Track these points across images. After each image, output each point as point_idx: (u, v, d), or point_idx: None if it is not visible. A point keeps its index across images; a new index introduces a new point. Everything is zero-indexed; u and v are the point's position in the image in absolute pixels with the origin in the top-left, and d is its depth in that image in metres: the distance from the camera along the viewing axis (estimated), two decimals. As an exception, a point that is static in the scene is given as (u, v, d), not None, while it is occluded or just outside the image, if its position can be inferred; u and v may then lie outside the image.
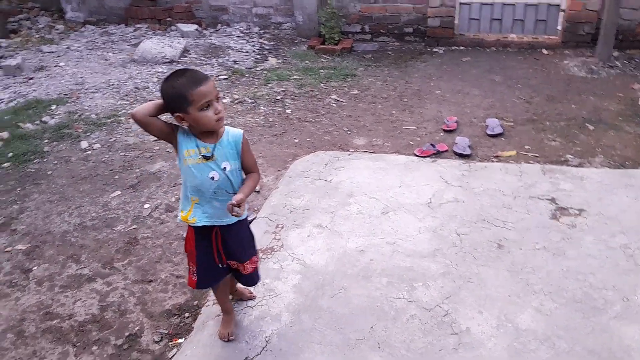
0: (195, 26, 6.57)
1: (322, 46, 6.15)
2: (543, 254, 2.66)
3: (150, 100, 4.77)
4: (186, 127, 1.84)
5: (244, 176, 1.97)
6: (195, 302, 2.43)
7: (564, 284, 2.44)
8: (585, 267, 2.54)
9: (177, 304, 2.43)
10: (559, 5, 5.99)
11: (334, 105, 4.73)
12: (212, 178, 1.85)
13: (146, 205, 3.21)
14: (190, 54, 5.87)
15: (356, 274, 2.54)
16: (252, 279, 2.17)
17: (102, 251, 2.81)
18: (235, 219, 1.92)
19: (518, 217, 2.96)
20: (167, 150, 3.89)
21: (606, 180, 3.32)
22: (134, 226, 3.01)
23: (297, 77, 5.35)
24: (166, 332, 2.27)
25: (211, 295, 2.42)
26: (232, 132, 1.90)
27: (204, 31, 6.74)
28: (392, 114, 4.53)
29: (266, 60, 5.85)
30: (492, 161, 3.66)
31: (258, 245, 2.21)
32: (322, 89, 5.06)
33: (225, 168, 1.87)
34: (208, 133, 1.83)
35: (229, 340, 2.16)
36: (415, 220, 2.96)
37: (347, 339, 2.16)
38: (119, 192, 3.35)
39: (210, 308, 2.36)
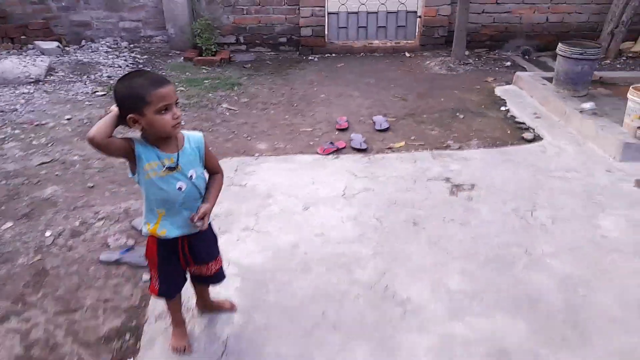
0: (56, 43, 6.04)
1: (200, 58, 6.08)
2: (452, 225, 2.96)
3: (21, 122, 4.35)
4: (138, 135, 1.72)
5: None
6: (134, 323, 2.27)
7: (476, 248, 2.75)
8: (489, 232, 2.90)
9: (114, 327, 2.25)
10: (415, 12, 6.67)
11: (227, 113, 4.72)
12: (180, 189, 1.76)
13: (47, 233, 2.90)
14: (57, 72, 5.39)
15: (295, 267, 2.59)
16: (218, 277, 2.11)
17: (8, 288, 2.47)
18: None
19: (423, 197, 3.25)
20: (56, 173, 3.54)
21: (486, 158, 3.80)
22: (39, 257, 2.70)
23: (182, 89, 5.22)
24: (109, 358, 2.09)
25: (151, 312, 2.29)
26: (193, 137, 1.83)
27: (67, 48, 6.23)
28: (286, 118, 4.66)
29: (144, 75, 5.61)
30: (387, 152, 3.96)
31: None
32: (212, 99, 5.01)
33: (191, 176, 1.79)
34: (166, 141, 1.73)
35: (185, 353, 2.06)
36: (335, 211, 3.09)
37: (304, 328, 2.20)
38: (11, 224, 2.98)
39: (153, 325, 2.23)
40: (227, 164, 3.67)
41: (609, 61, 6.28)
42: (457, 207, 3.15)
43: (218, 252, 2.08)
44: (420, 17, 6.67)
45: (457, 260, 2.65)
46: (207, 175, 1.93)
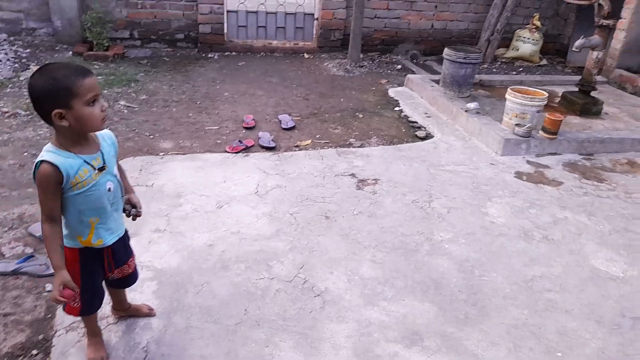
0: None
1: (91, 52, 5.70)
2: (361, 217, 3.13)
3: None
4: (50, 147, 1.60)
5: None
6: (41, 337, 2.11)
7: (383, 238, 2.94)
8: (394, 222, 3.11)
9: (18, 343, 2.07)
10: (313, 14, 6.84)
11: (126, 111, 4.49)
12: (109, 189, 1.71)
13: None
14: None
15: (212, 266, 2.58)
16: (135, 275, 2.07)
17: None
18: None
19: (332, 192, 3.39)
20: None
21: (386, 155, 4.04)
22: None
23: (73, 86, 4.86)
24: (15, 376, 1.94)
25: (59, 324, 2.15)
26: (105, 134, 1.77)
27: None
28: (190, 116, 4.55)
29: (28, 69, 5.13)
30: (295, 150, 4.05)
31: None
32: (108, 96, 4.74)
33: (116, 174, 1.75)
34: (85, 141, 1.65)
35: (104, 363, 1.97)
36: (249, 208, 3.12)
37: (227, 327, 2.21)
38: None
39: (64, 337, 2.10)
40: (130, 164, 3.51)
41: (486, 65, 6.95)
42: (363, 200, 3.33)
43: (131, 248, 2.04)
44: (317, 19, 6.85)
45: (368, 250, 2.82)
46: None
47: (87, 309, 1.89)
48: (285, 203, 3.20)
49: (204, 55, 6.48)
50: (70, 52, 5.75)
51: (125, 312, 2.19)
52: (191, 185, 3.30)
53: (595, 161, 4.18)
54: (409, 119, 4.92)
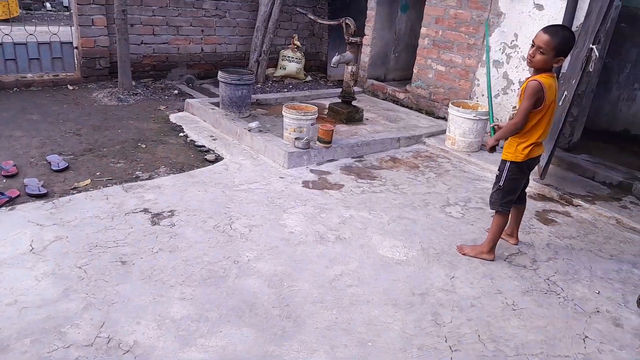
0: None
1: None
2: (162, 254, 2.96)
3: None
4: None
5: None
6: None
7: (190, 271, 2.83)
8: (199, 252, 3.02)
9: None
10: (71, 43, 6.23)
11: None
12: None
13: None
14: None
15: (-14, 351, 2.13)
16: None
17: None
18: None
19: (125, 233, 3.13)
20: None
21: (178, 184, 3.92)
22: None
23: None
24: None
25: None
26: None
27: None
28: None
29: None
30: (73, 193, 3.63)
31: None
32: None
33: None
34: None
35: None
36: (26, 271, 2.67)
37: (18, 417, 1.85)
38: None
39: None
40: None
41: (259, 85, 7.29)
42: (162, 235, 3.16)
43: None
44: (77, 48, 6.26)
45: (175, 288, 2.68)
46: None
47: None
48: (71, 256, 2.83)
49: None
50: None
51: None
52: (-61, 258, 2.68)
53: (365, 162, 4.74)
54: (196, 143, 4.85)
